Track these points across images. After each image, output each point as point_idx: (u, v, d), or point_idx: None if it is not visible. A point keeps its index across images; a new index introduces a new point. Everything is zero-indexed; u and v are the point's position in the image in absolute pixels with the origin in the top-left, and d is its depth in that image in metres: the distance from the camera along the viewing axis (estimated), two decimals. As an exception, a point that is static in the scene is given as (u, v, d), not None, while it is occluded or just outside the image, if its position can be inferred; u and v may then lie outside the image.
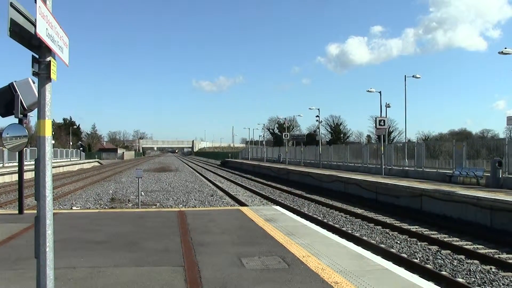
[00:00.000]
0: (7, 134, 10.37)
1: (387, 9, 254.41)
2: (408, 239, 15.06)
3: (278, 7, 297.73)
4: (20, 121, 11.38)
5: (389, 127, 76.22)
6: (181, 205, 23.11)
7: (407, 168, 32.01)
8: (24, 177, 13.61)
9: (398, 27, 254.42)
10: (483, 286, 9.98)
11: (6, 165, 43.28)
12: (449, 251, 13.14)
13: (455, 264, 11.81)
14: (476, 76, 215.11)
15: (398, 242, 14.62)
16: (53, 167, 4.55)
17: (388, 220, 18.77)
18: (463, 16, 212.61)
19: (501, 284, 10.08)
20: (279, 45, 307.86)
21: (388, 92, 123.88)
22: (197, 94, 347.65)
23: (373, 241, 14.44)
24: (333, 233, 12.32)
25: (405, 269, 8.01)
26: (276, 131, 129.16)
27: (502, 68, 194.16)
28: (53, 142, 4.75)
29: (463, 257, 12.50)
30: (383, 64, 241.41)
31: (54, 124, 75.26)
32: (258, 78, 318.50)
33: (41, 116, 4.29)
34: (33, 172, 4.40)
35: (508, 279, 10.47)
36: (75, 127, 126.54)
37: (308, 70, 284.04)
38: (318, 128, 54.65)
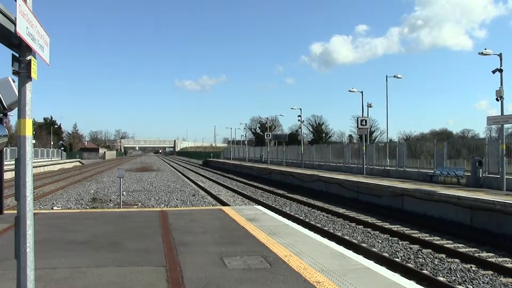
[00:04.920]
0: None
1: (372, 7, 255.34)
2: (390, 238, 15.17)
3: (262, 6, 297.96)
4: (0, 120, 11.26)
5: (371, 127, 76.65)
6: (163, 205, 23.02)
7: (388, 168, 32.22)
8: (4, 177, 13.45)
9: (383, 26, 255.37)
10: (464, 285, 10.09)
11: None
12: (430, 250, 13.26)
13: (436, 263, 11.93)
14: (460, 76, 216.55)
15: (380, 241, 14.72)
16: (33, 167, 4.49)
17: (370, 219, 18.88)
18: (448, 15, 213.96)
19: (481, 282, 10.20)
20: (263, 44, 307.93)
21: (371, 91, 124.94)
22: (180, 94, 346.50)
23: (355, 241, 14.51)
24: (315, 232, 12.35)
25: (386, 268, 8.07)
26: (258, 131, 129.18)
27: (485, 68, 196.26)
28: (33, 141, 4.68)
29: (444, 256, 12.62)
30: (367, 63, 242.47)
31: (34, 123, 74.54)
32: (242, 78, 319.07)
33: (21, 115, 4.24)
34: (13, 172, 4.36)
35: (488, 277, 10.61)
36: (56, 126, 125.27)
37: (292, 69, 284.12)
38: (300, 128, 54.77)
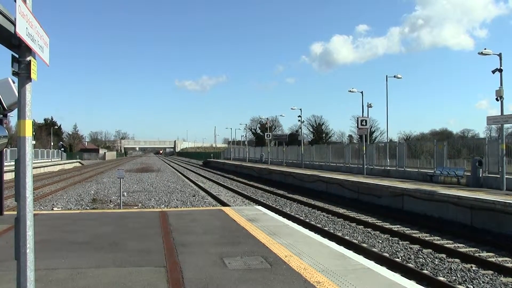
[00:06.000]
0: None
1: (372, 7, 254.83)
2: (390, 238, 15.17)
3: (262, 6, 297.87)
4: (0, 121, 11.26)
5: (371, 127, 76.71)
6: (163, 206, 23.00)
7: (388, 168, 32.20)
8: (4, 178, 13.44)
9: (383, 26, 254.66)
10: (464, 284, 10.09)
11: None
12: (430, 250, 13.26)
13: (436, 263, 11.92)
14: (460, 76, 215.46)
15: (380, 241, 14.71)
16: (33, 168, 4.49)
17: (370, 219, 18.88)
18: (449, 14, 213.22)
19: (481, 282, 10.19)
20: (263, 44, 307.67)
21: (371, 91, 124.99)
22: (180, 94, 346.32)
23: (355, 241, 14.50)
24: (315, 232, 12.35)
25: (387, 268, 8.07)
26: (258, 131, 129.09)
27: (485, 68, 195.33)
28: (33, 142, 4.72)
29: (444, 255, 12.62)
30: (367, 63, 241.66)
31: (34, 124, 74.54)
32: (242, 78, 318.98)
33: (21, 116, 4.24)
34: (13, 172, 4.35)
35: (488, 277, 10.61)
36: (56, 127, 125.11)
37: (292, 69, 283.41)
38: (300, 128, 54.79)
